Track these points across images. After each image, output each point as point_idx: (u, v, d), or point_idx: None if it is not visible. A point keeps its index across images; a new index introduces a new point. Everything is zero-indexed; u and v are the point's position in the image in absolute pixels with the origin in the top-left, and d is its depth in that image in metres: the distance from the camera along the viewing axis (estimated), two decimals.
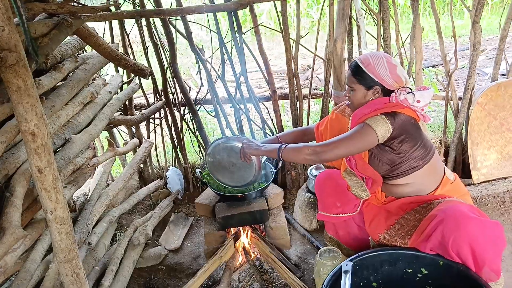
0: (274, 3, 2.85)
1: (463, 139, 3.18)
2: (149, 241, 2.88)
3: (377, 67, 1.97)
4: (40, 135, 1.55)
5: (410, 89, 1.98)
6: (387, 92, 2.01)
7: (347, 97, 2.11)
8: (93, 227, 2.40)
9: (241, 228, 2.71)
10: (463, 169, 3.22)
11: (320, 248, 2.63)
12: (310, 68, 6.50)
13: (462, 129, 3.09)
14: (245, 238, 2.69)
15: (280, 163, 2.78)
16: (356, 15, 2.87)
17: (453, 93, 3.06)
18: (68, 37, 2.35)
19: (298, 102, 3.10)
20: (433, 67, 6.24)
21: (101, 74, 2.83)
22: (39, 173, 1.59)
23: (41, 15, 1.96)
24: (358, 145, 1.93)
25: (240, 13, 2.84)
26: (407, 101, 1.95)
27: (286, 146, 2.06)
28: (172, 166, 3.43)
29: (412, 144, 1.97)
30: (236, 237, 2.67)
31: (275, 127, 3.25)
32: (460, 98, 3.15)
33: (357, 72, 2.01)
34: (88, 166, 2.19)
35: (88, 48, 2.65)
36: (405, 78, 2.00)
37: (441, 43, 2.96)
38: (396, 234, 2.05)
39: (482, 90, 2.96)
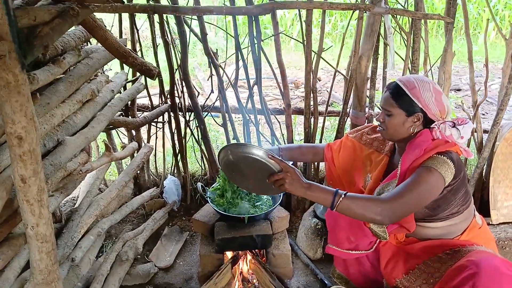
0: (299, 11, 2.64)
1: (483, 175, 2.99)
2: (139, 256, 2.64)
3: (423, 92, 1.75)
4: (28, 140, 1.32)
5: (453, 122, 1.77)
6: (426, 122, 1.80)
7: (379, 122, 1.89)
8: (79, 240, 2.16)
9: (240, 252, 2.48)
10: (480, 207, 3.02)
11: (325, 282, 2.42)
12: (319, 80, 6.30)
13: (484, 164, 2.89)
14: (244, 264, 2.46)
15: None
16: (385, 33, 2.67)
17: (478, 125, 2.87)
18: (73, 27, 2.12)
19: (313, 118, 2.89)
20: None
21: (104, 70, 2.60)
22: (23, 182, 1.37)
23: (44, 0, 1.73)
24: (430, 194, 1.66)
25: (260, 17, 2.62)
26: (452, 137, 1.74)
27: (345, 195, 1.61)
28: (171, 174, 3.20)
29: (459, 188, 1.76)
30: (234, 261, 2.44)
31: (285, 143, 3.03)
32: (485, 131, 2.95)
33: (398, 94, 1.78)
34: (80, 172, 1.95)
35: (93, 40, 2.43)
36: (447, 107, 1.80)
37: (471, 71, 2.76)
38: (416, 280, 1.84)
39: (510, 125, 2.77)
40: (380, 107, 1.89)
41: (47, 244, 1.52)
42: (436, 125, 1.78)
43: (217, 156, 1.80)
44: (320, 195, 1.64)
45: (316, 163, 3.06)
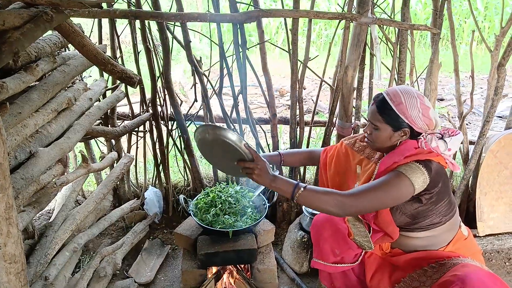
0: (285, 20, 2.59)
1: (469, 187, 2.97)
2: (117, 272, 2.52)
3: (410, 108, 1.71)
4: None
5: (441, 134, 1.74)
6: (414, 134, 1.77)
7: (367, 134, 1.85)
8: (53, 257, 2.04)
9: (223, 267, 2.39)
10: (466, 218, 3.00)
11: None
12: (304, 89, 6.27)
13: (470, 176, 2.88)
14: (228, 280, 2.37)
15: (276, 197, 2.49)
16: (372, 43, 2.63)
17: (465, 137, 2.85)
18: (49, 32, 2.02)
19: (298, 128, 2.83)
20: None
21: (83, 77, 2.49)
22: None
23: (16, 3, 1.63)
24: (392, 197, 1.65)
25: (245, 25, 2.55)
26: (438, 149, 1.72)
27: (305, 187, 1.66)
28: (152, 185, 3.09)
29: (440, 197, 1.74)
30: (218, 277, 2.35)
31: (270, 152, 2.96)
32: (471, 142, 2.94)
33: (384, 109, 1.74)
34: (55, 186, 1.84)
35: (72, 46, 2.32)
36: (435, 121, 1.76)
37: (457, 82, 2.75)
38: None
39: (496, 138, 2.76)
40: (367, 119, 1.86)
41: (16, 264, 1.41)
42: (423, 136, 1.75)
43: (193, 132, 1.82)
44: (282, 187, 1.69)
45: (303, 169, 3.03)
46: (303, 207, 2.71)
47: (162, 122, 2.87)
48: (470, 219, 2.93)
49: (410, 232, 1.83)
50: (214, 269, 2.38)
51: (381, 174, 1.75)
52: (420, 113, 1.71)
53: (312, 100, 5.59)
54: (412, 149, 1.73)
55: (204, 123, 1.82)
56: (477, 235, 2.83)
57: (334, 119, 2.84)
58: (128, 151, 3.00)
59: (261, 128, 2.97)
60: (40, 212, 2.43)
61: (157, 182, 3.07)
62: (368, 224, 1.96)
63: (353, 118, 2.85)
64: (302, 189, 1.66)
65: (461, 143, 2.84)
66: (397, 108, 1.71)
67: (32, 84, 1.85)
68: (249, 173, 1.70)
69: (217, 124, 1.78)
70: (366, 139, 1.90)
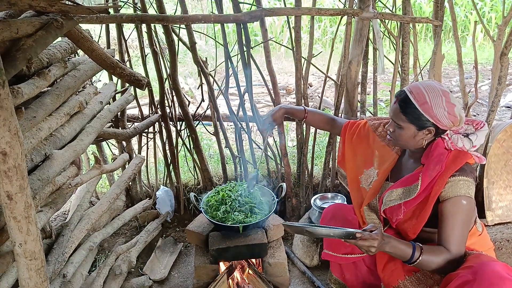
0: (288, 18, 2.63)
1: (477, 176, 2.99)
2: (132, 269, 2.59)
3: (435, 108, 1.68)
4: (12, 155, 1.29)
5: (466, 133, 1.76)
6: (438, 132, 1.76)
7: (389, 132, 1.86)
8: (70, 255, 2.11)
9: (235, 262, 2.44)
10: None
11: None
12: (310, 86, 6.31)
13: (478, 166, 2.89)
14: (240, 274, 2.43)
15: (284, 192, 2.53)
16: (374, 37, 2.67)
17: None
18: (59, 38, 2.09)
19: (305, 124, 2.87)
20: None
21: (92, 81, 2.57)
22: (9, 199, 1.34)
23: (28, 12, 1.71)
24: (471, 216, 1.76)
25: (249, 25, 2.61)
26: (464, 148, 1.73)
27: (422, 249, 1.67)
28: (163, 185, 3.16)
29: None
30: (230, 272, 2.40)
31: (278, 150, 3.01)
32: None
33: (408, 109, 1.72)
34: (70, 186, 1.91)
35: (81, 51, 2.39)
36: (460, 117, 1.73)
37: (461, 73, 2.77)
38: (419, 284, 1.81)
39: (502, 127, 2.77)
40: (389, 118, 1.86)
41: (36, 261, 1.48)
42: (447, 135, 1.75)
43: (285, 224, 1.77)
44: (399, 249, 1.68)
45: None
46: (312, 201, 2.75)
47: (171, 122, 2.94)
48: (478, 209, 2.93)
49: (428, 227, 1.83)
50: (226, 264, 2.44)
51: (427, 188, 1.74)
52: (446, 112, 1.68)
53: (319, 97, 5.62)
54: (445, 151, 1.74)
55: (296, 224, 1.79)
56: (486, 224, 2.84)
57: (340, 114, 2.87)
58: (139, 152, 3.07)
59: None
60: (57, 213, 2.51)
61: (168, 181, 3.14)
62: (384, 218, 1.99)
63: (358, 113, 2.89)
64: (422, 250, 1.67)
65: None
66: (422, 107, 1.68)
67: (44, 89, 1.93)
68: (366, 250, 1.65)
69: (308, 225, 1.73)
70: (388, 136, 1.90)
